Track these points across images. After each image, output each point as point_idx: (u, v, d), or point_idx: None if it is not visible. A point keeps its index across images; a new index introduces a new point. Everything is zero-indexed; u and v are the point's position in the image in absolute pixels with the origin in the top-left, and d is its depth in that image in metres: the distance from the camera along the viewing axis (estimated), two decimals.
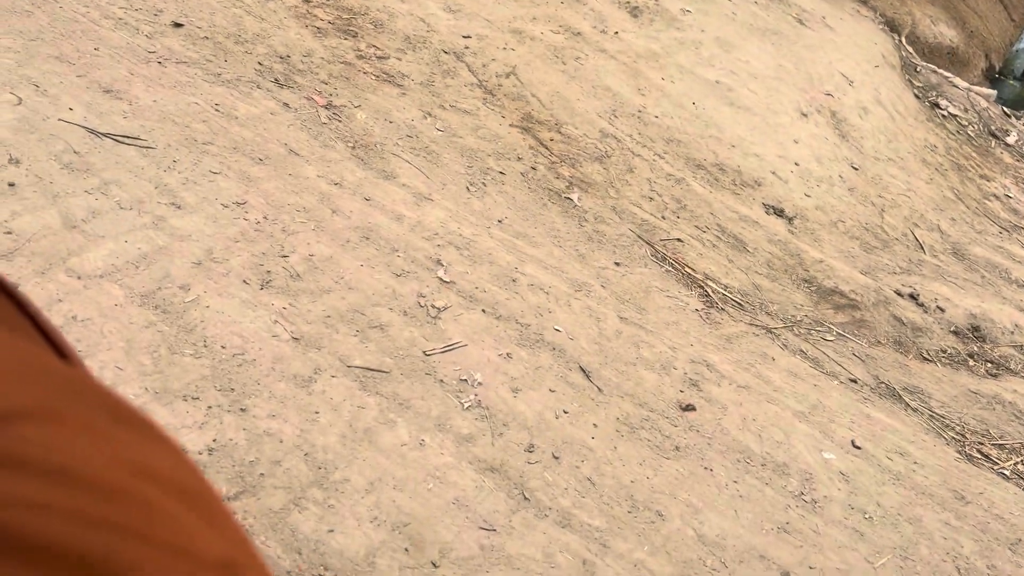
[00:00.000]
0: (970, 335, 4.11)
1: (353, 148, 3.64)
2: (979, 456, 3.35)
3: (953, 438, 3.42)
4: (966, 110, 6.49)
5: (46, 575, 0.31)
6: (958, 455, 3.32)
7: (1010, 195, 5.67)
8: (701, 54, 5.17)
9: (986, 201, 5.49)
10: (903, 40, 7.15)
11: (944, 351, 4.00)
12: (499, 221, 3.61)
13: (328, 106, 3.82)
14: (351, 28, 4.42)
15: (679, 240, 4.00)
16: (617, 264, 3.69)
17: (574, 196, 3.99)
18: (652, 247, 3.89)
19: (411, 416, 2.50)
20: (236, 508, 2.08)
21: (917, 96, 6.36)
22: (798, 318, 3.87)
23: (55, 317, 2.28)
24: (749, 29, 5.63)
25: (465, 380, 2.70)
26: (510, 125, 4.23)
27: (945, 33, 7.89)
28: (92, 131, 3.04)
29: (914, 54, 7.06)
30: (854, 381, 3.57)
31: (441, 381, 2.66)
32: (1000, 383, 3.88)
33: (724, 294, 3.80)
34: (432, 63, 4.39)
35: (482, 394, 2.68)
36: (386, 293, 2.91)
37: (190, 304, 2.55)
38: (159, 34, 3.80)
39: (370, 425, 2.42)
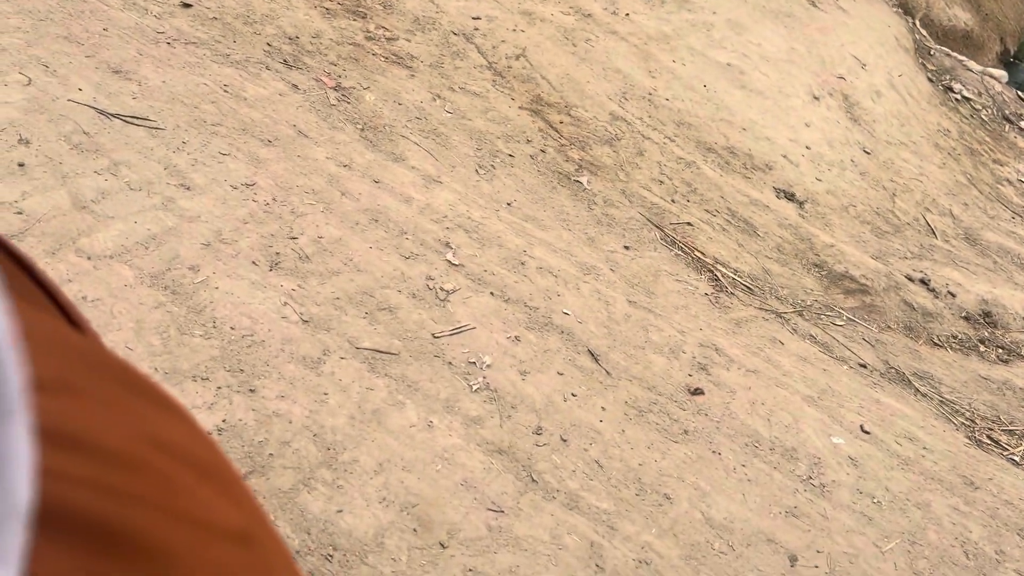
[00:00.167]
0: (981, 321, 4.08)
1: (362, 130, 3.63)
2: (989, 442, 3.34)
3: (963, 423, 3.40)
4: (980, 94, 6.43)
5: (66, 543, 0.31)
6: (968, 441, 3.31)
7: (1023, 180, 5.62)
8: (712, 36, 5.12)
9: (999, 186, 5.44)
10: (917, 23, 7.07)
11: (955, 336, 3.98)
12: (508, 204, 3.60)
13: (337, 87, 3.81)
14: (360, 9, 4.39)
15: (689, 224, 3.98)
16: (626, 248, 3.68)
17: (583, 179, 3.97)
18: (662, 231, 3.87)
19: (420, 398, 2.50)
20: None
21: (930, 80, 6.30)
22: (808, 303, 3.85)
23: None
24: (761, 11, 5.58)
25: (474, 363, 2.70)
26: (519, 107, 4.21)
27: (960, 16, 7.80)
28: (101, 112, 3.03)
29: (928, 37, 6.99)
30: (864, 366, 3.55)
31: (450, 363, 2.66)
32: (1011, 369, 3.86)
33: (734, 278, 3.79)
34: (441, 45, 4.37)
35: (490, 376, 2.68)
36: (395, 275, 2.90)
37: (199, 285, 2.56)
38: (168, 14, 3.79)
39: (379, 406, 2.42)
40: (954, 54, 6.88)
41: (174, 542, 0.40)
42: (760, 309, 3.66)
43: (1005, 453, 3.31)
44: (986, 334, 4.03)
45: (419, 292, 2.88)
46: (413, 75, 4.12)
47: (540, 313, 3.02)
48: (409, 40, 4.31)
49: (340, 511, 2.12)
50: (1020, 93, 6.88)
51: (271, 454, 2.18)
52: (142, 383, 0.49)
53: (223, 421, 2.21)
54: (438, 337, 2.74)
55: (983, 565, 2.71)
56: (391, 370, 2.55)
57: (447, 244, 3.15)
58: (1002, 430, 3.43)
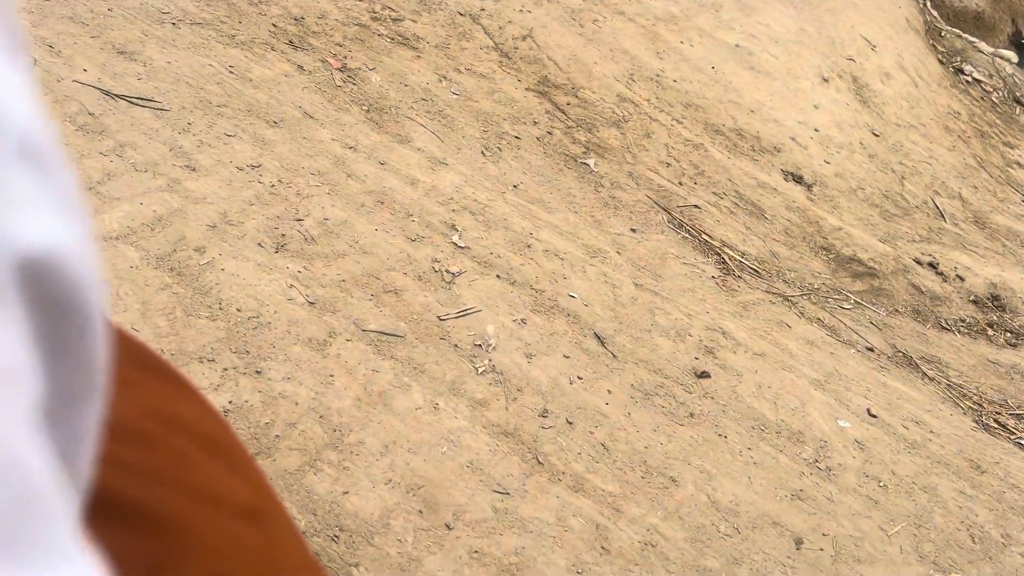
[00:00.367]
0: (989, 304, 4.06)
1: (368, 111, 3.61)
2: (996, 426, 3.33)
3: (970, 407, 3.39)
4: (991, 76, 6.36)
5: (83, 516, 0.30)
6: (975, 424, 3.30)
7: None
8: (721, 17, 5.08)
9: (1009, 169, 5.40)
10: (928, 4, 6.99)
11: (963, 320, 3.96)
12: (514, 186, 3.59)
13: (343, 69, 3.79)
14: None
15: (696, 207, 3.96)
16: (633, 230, 3.66)
17: (590, 161, 3.95)
18: (669, 213, 3.85)
19: (425, 380, 2.50)
20: None
21: (941, 61, 6.24)
22: (815, 286, 3.83)
23: None
24: None
25: (479, 345, 2.70)
26: (526, 89, 4.18)
27: None
28: (106, 93, 3.02)
29: (939, 18, 6.92)
30: (871, 349, 3.54)
31: (455, 346, 2.66)
32: (1019, 353, 3.84)
33: (741, 261, 3.77)
34: (447, 25, 4.34)
35: (496, 359, 2.67)
36: (401, 258, 2.90)
37: (205, 267, 2.55)
38: None
39: (385, 389, 2.42)
40: (965, 35, 6.81)
41: (184, 516, 0.40)
42: (767, 292, 3.64)
43: (1012, 437, 3.30)
44: (994, 318, 4.01)
45: (425, 274, 2.88)
46: (419, 56, 4.09)
47: (546, 296, 3.02)
48: (415, 21, 4.29)
49: (346, 492, 2.12)
50: None
51: (277, 436, 2.19)
52: (153, 360, 0.49)
53: (229, 402, 2.22)
54: (444, 319, 2.74)
55: (989, 548, 2.71)
56: (397, 352, 2.55)
57: (453, 226, 3.14)
58: (1009, 414, 3.42)
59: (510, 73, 4.23)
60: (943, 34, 6.65)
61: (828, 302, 3.76)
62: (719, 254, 3.75)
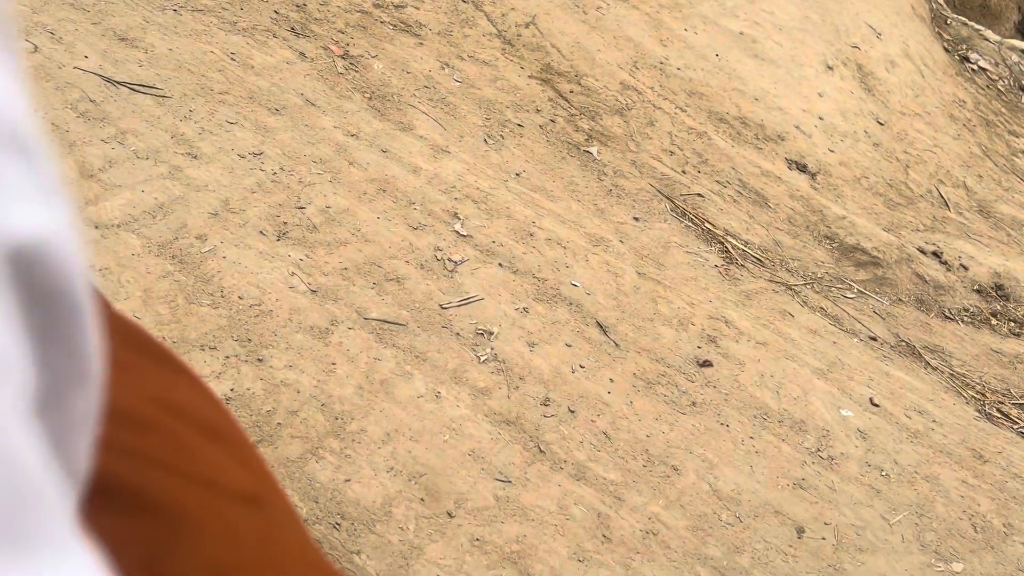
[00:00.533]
0: (993, 294, 4.05)
1: (370, 99, 3.60)
2: (999, 415, 3.32)
3: (973, 397, 3.39)
4: (997, 64, 6.33)
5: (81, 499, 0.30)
6: (977, 414, 3.30)
7: None
8: (725, 4, 5.04)
9: (1014, 158, 5.37)
10: None
11: (966, 310, 3.95)
12: (517, 174, 3.58)
13: (345, 56, 3.77)
14: None
15: (699, 195, 3.95)
16: (636, 219, 3.65)
17: (593, 150, 3.93)
18: (672, 202, 3.84)
19: (427, 368, 2.50)
20: None
21: (946, 49, 6.20)
22: (819, 275, 3.82)
23: None
24: None
25: (481, 334, 2.69)
26: (529, 76, 4.17)
27: None
28: (108, 79, 3.01)
29: (944, 5, 6.87)
30: (874, 339, 3.53)
31: (457, 334, 2.66)
32: (1022, 342, 3.83)
33: (744, 250, 3.76)
34: (450, 12, 4.32)
35: (498, 348, 2.67)
36: (403, 246, 2.89)
37: (207, 254, 2.55)
38: None
39: (387, 377, 2.42)
40: (971, 23, 6.77)
41: (183, 501, 0.39)
42: (770, 281, 3.63)
43: (1015, 427, 3.29)
44: (998, 307, 4.00)
45: (427, 263, 2.87)
46: (421, 43, 4.07)
47: (549, 284, 3.01)
48: (417, 8, 4.26)
49: (348, 480, 2.13)
50: None
51: (279, 423, 2.19)
52: (153, 346, 0.49)
53: (231, 390, 2.22)
54: (446, 308, 2.73)
55: (991, 538, 2.71)
56: (399, 340, 2.55)
57: (455, 215, 3.14)
58: (1012, 404, 3.41)
59: (513, 60, 4.21)
60: (949, 22, 6.60)
61: (831, 291, 3.75)
62: (722, 243, 3.73)
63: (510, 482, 2.28)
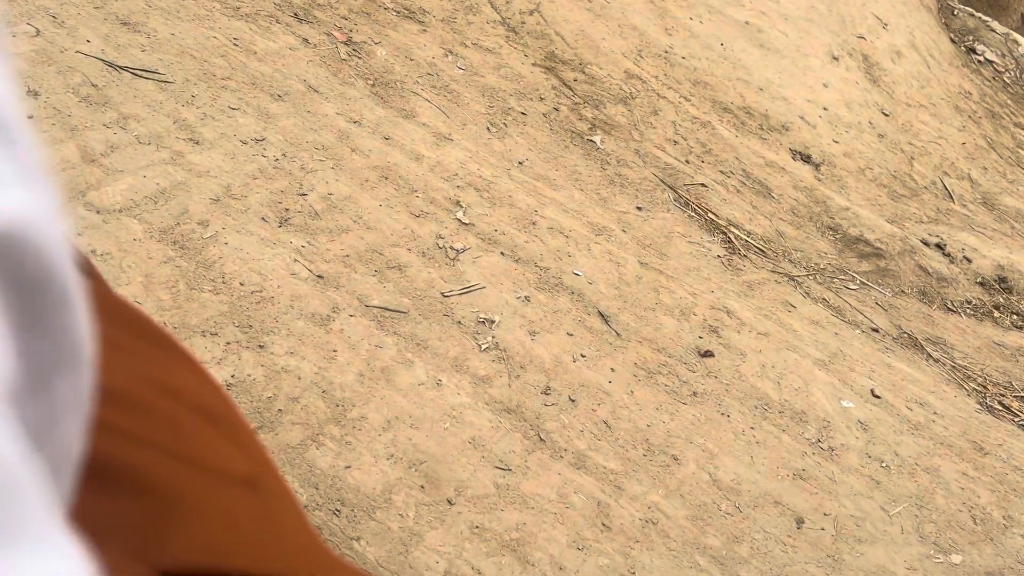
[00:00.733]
0: (996, 286, 4.04)
1: (373, 86, 3.59)
2: (1000, 408, 3.32)
3: (974, 389, 3.38)
4: (1003, 56, 6.29)
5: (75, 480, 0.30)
6: (979, 406, 3.29)
7: None
8: None
9: (1020, 150, 5.35)
10: None
11: (969, 302, 3.94)
12: (520, 163, 3.56)
13: (348, 42, 3.76)
14: None
15: (703, 185, 3.94)
16: (639, 208, 3.64)
17: (597, 138, 3.92)
18: (675, 192, 3.83)
19: (428, 356, 2.50)
20: None
21: (953, 40, 6.17)
22: (821, 266, 3.82)
23: None
24: None
25: (483, 322, 2.69)
26: (533, 64, 4.15)
27: None
28: (110, 64, 3.00)
29: None
30: (876, 330, 3.53)
31: (459, 323, 2.66)
32: None
33: (747, 240, 3.75)
34: None
35: (500, 336, 2.67)
36: (405, 234, 2.89)
37: (209, 240, 2.55)
38: None
39: (387, 364, 2.42)
40: (978, 14, 6.73)
41: (181, 484, 0.39)
42: (773, 272, 3.63)
43: (1016, 419, 3.29)
44: (1001, 300, 3.99)
45: (429, 251, 2.87)
46: (425, 30, 4.06)
47: (550, 273, 3.01)
48: None
49: (348, 467, 2.13)
50: None
51: (280, 410, 2.19)
52: (152, 330, 0.49)
53: (232, 376, 2.22)
54: (447, 296, 2.73)
55: (990, 530, 2.71)
56: (400, 328, 2.55)
57: (457, 203, 3.13)
58: (1014, 396, 3.41)
59: (517, 48, 4.19)
60: (956, 13, 6.56)
61: (834, 282, 3.74)
62: (725, 233, 3.73)
63: (510, 470, 2.29)
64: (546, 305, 2.86)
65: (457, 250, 2.92)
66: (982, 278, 4.05)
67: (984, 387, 3.41)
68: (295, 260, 2.61)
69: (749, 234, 3.80)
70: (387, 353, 2.45)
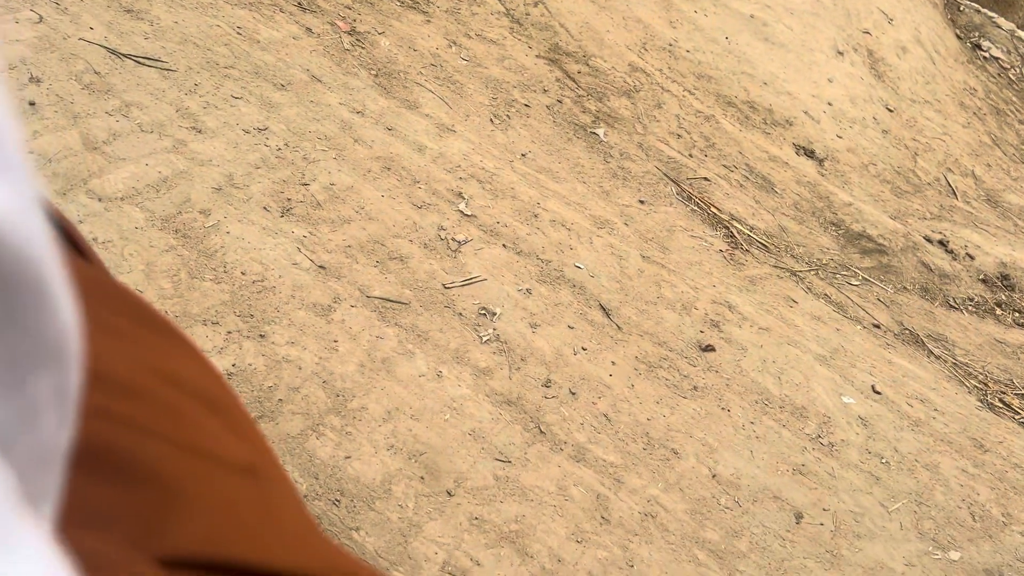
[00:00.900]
0: (999, 284, 4.03)
1: (376, 76, 3.57)
2: (1001, 405, 3.32)
3: (975, 386, 3.38)
4: (1009, 52, 6.27)
5: (71, 469, 0.30)
6: (979, 404, 3.29)
7: None
8: None
9: None
10: None
11: (971, 299, 3.94)
12: (522, 155, 3.56)
13: (351, 32, 3.74)
14: None
15: (706, 179, 3.93)
16: (641, 202, 3.63)
17: (600, 131, 3.91)
18: (678, 185, 3.82)
19: (429, 348, 2.50)
20: None
21: (958, 36, 6.15)
22: (824, 262, 3.81)
23: None
24: None
25: (484, 314, 2.69)
26: (536, 56, 4.13)
27: None
28: (113, 51, 2.99)
29: None
30: (877, 326, 3.52)
31: (460, 314, 2.65)
32: None
33: (749, 235, 3.74)
34: None
35: (501, 328, 2.67)
36: (407, 225, 2.88)
37: (210, 229, 2.54)
38: None
39: (388, 355, 2.42)
40: (984, 10, 6.70)
41: (179, 471, 0.39)
42: (775, 267, 3.62)
43: (1017, 417, 3.29)
44: (1003, 297, 3.99)
45: (431, 242, 2.86)
46: (429, 20, 4.04)
47: (552, 266, 3.00)
48: None
49: (348, 457, 2.13)
50: None
51: (280, 400, 2.19)
52: (151, 317, 0.48)
53: (233, 366, 2.22)
54: (449, 288, 2.73)
55: (989, 527, 2.71)
56: (401, 319, 2.55)
57: (460, 194, 3.12)
58: (1015, 394, 3.41)
59: (521, 40, 4.18)
60: (961, 8, 6.54)
61: (836, 278, 3.74)
62: (727, 227, 3.72)
63: (510, 462, 2.29)
64: (547, 298, 2.86)
65: (459, 242, 2.91)
66: (984, 275, 4.04)
67: (985, 384, 3.41)
68: (297, 250, 2.60)
69: (752, 229, 3.79)
70: (388, 344, 2.45)
